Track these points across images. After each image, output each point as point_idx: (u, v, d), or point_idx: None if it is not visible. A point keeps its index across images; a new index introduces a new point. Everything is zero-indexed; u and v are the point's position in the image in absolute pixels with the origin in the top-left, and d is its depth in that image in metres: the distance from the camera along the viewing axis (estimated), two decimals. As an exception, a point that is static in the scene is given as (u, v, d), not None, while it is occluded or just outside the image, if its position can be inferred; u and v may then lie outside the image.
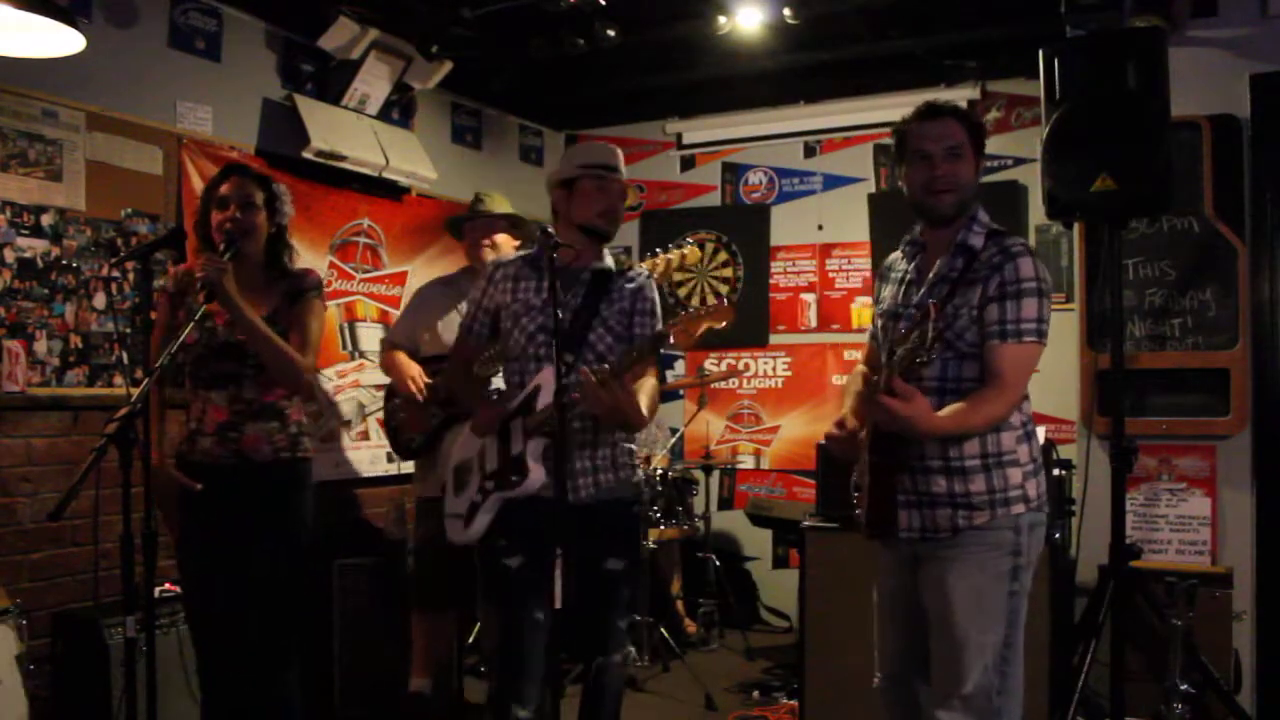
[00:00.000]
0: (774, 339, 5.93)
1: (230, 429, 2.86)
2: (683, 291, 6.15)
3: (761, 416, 5.96)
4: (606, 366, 2.54)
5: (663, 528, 4.86)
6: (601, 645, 2.74)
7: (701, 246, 6.10)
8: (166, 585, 3.46)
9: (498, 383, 3.03)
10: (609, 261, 2.78)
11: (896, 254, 2.59)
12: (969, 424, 2.25)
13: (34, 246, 3.56)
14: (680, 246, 4.20)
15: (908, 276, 2.49)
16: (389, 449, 4.10)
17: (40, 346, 3.57)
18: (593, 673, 2.75)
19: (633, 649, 2.85)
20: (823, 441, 2.53)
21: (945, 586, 2.31)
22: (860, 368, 2.69)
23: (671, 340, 2.56)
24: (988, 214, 2.45)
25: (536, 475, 2.63)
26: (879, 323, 2.56)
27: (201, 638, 2.97)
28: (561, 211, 2.79)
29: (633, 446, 2.81)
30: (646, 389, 2.68)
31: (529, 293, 2.74)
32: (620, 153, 2.85)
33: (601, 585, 2.69)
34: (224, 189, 2.88)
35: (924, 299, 2.37)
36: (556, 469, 2.40)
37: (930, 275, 2.40)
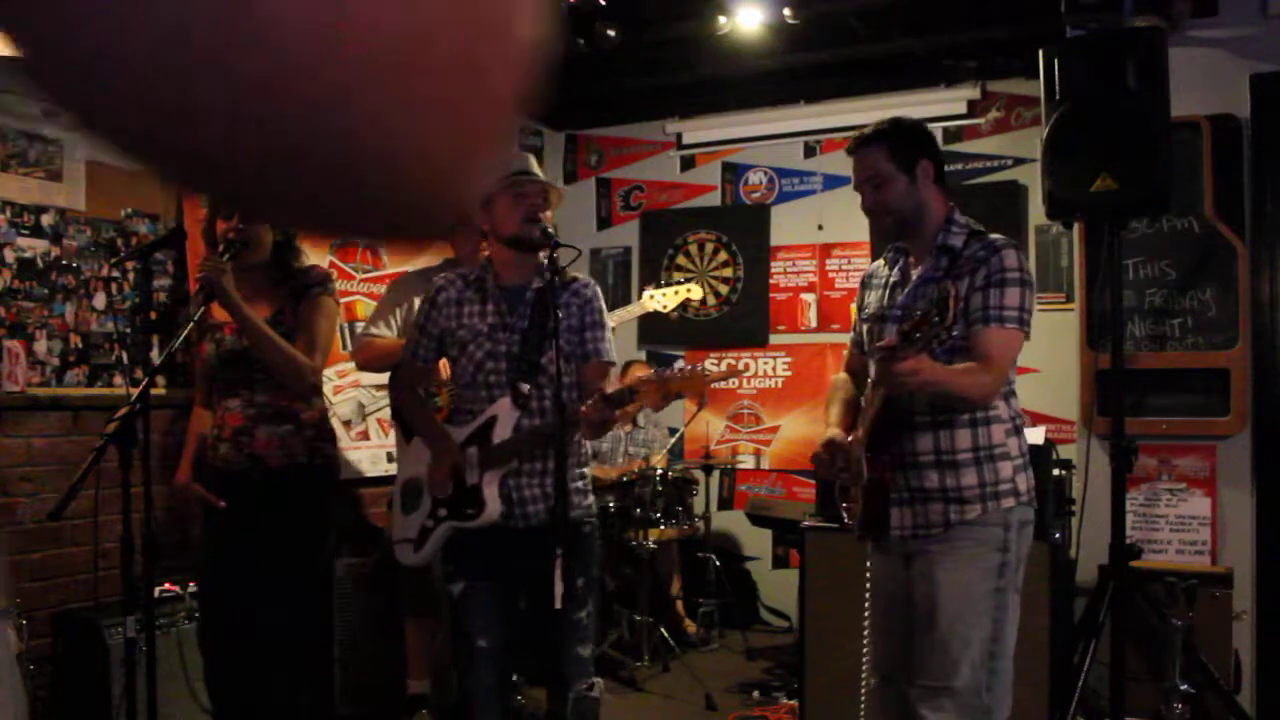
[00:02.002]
0: (774, 339, 5.93)
1: (243, 434, 2.87)
2: (683, 291, 6.15)
3: (761, 416, 5.95)
4: (593, 403, 2.47)
5: (663, 528, 4.86)
6: (562, 677, 2.59)
7: (701, 247, 6.11)
8: (166, 585, 3.46)
9: None
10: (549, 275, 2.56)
11: (879, 262, 2.65)
12: (958, 382, 2.27)
13: (34, 246, 3.56)
14: (683, 284, 4.36)
15: (891, 280, 2.54)
16: (389, 449, 4.09)
17: (40, 346, 3.57)
18: (566, 708, 2.61)
19: (599, 680, 2.75)
20: (814, 455, 2.54)
21: (933, 582, 2.33)
22: (841, 375, 2.72)
23: (640, 397, 2.54)
24: (974, 215, 2.49)
25: (493, 508, 2.59)
26: (863, 328, 2.60)
27: (207, 641, 2.97)
28: (490, 233, 2.70)
29: (586, 471, 2.74)
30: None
31: (474, 317, 2.67)
32: (530, 156, 2.78)
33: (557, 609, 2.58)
34: None
35: (909, 299, 2.41)
36: (557, 488, 2.37)
37: (914, 277, 2.44)
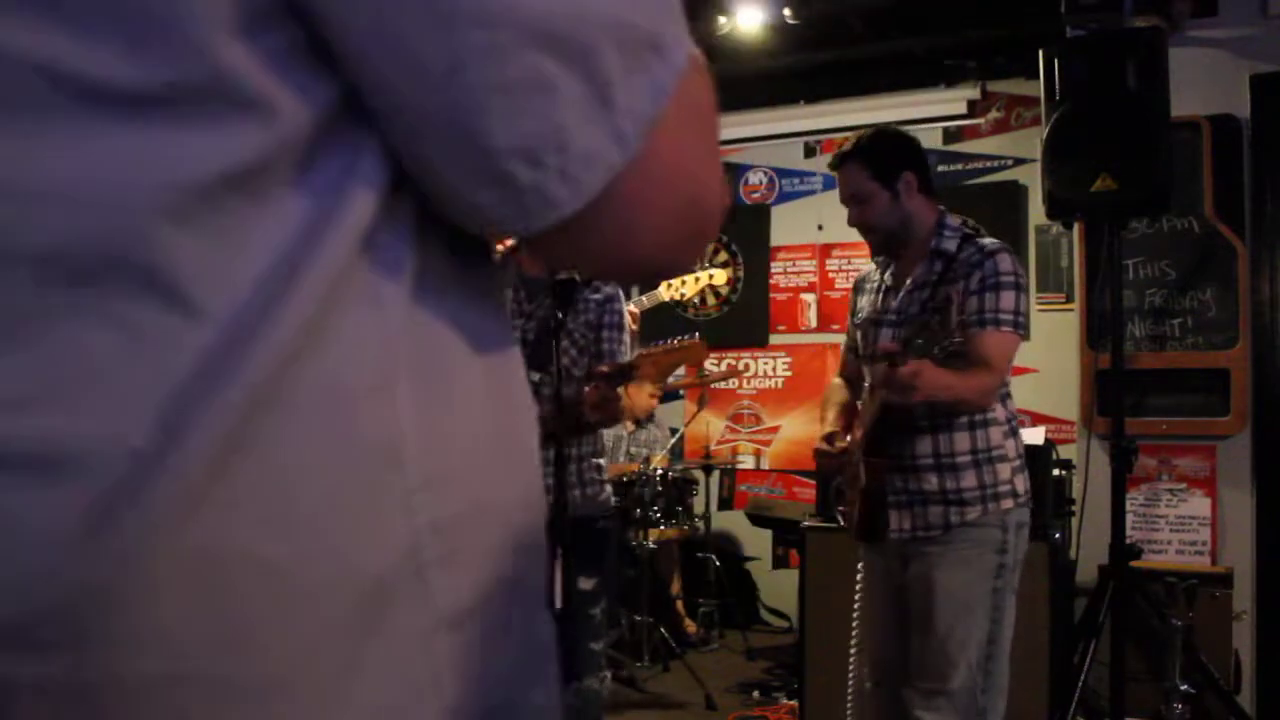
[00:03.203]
0: (774, 339, 5.93)
1: None
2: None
3: (761, 416, 5.96)
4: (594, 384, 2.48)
5: (663, 528, 4.86)
6: (573, 671, 2.62)
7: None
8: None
9: None
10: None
11: (870, 267, 2.66)
12: (962, 386, 2.28)
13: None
14: (706, 269, 4.20)
15: (884, 285, 2.54)
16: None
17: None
18: (567, 700, 2.65)
19: (608, 674, 2.76)
20: (816, 448, 2.55)
21: (930, 583, 2.34)
22: (836, 380, 2.73)
23: (640, 373, 2.52)
24: (974, 215, 2.49)
25: None
26: (857, 334, 2.60)
27: None
28: None
29: (601, 462, 2.73)
30: None
31: None
32: None
33: (572, 605, 2.59)
34: None
35: (904, 304, 2.43)
36: (556, 483, 2.37)
37: (908, 281, 2.45)
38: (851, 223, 2.51)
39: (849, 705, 2.67)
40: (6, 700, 0.41)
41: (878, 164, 2.42)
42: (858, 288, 2.67)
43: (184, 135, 0.42)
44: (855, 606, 2.63)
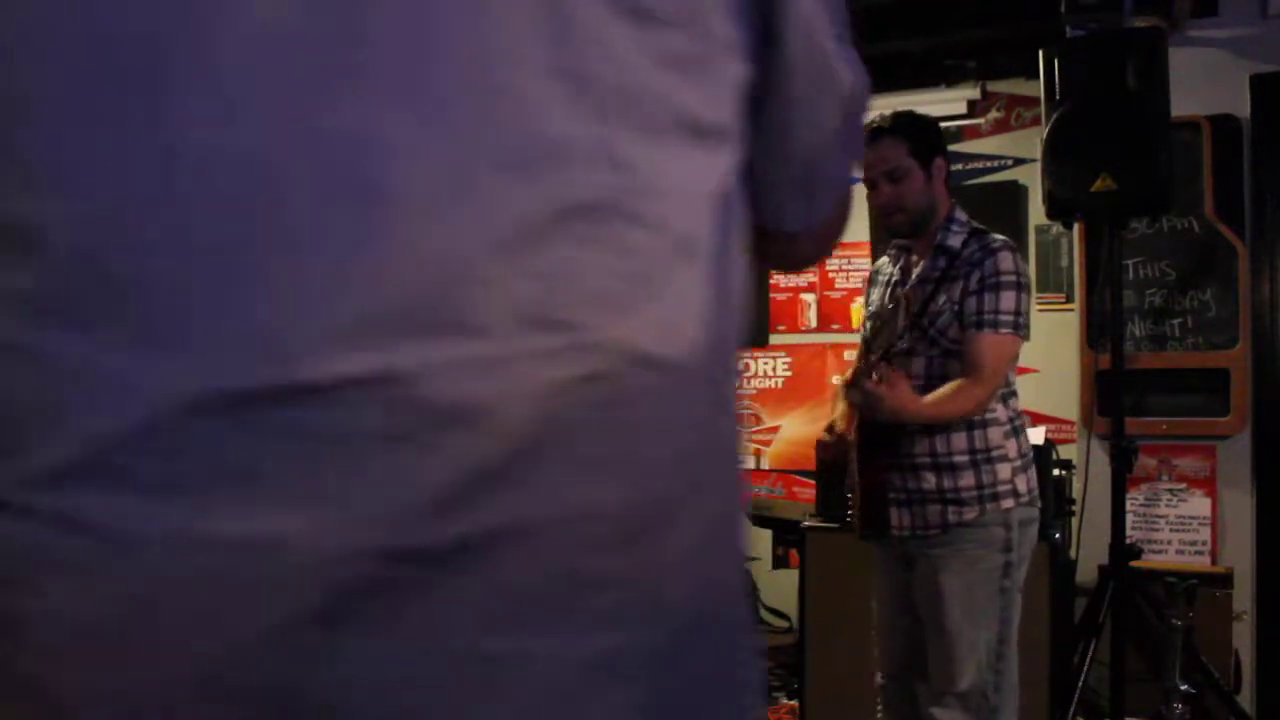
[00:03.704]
0: (774, 339, 5.92)
1: None
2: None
3: (761, 416, 5.95)
4: None
5: (663, 528, 4.86)
6: None
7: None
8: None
9: None
10: None
11: (884, 259, 2.65)
12: (946, 410, 2.28)
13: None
14: None
15: (893, 278, 2.53)
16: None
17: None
18: None
19: None
20: (820, 440, 2.55)
21: (937, 585, 2.33)
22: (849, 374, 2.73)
23: None
24: (974, 215, 2.49)
25: None
26: (867, 325, 2.60)
27: None
28: None
29: None
30: None
31: None
32: None
33: None
34: None
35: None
36: None
37: (913, 276, 2.44)
38: (880, 201, 2.43)
39: (879, 702, 2.66)
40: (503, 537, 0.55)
41: (917, 142, 2.39)
42: (871, 279, 2.68)
43: (716, 158, 0.64)
44: (873, 604, 2.64)
